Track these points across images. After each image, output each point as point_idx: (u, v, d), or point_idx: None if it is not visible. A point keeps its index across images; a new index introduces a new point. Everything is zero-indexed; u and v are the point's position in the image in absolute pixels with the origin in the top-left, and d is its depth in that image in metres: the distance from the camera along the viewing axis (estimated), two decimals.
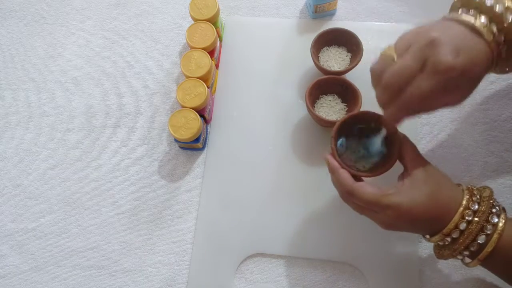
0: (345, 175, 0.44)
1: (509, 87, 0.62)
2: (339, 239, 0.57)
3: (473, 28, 0.39)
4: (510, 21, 0.39)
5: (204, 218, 0.59)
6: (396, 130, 0.46)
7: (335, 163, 0.46)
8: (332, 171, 0.46)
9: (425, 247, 0.55)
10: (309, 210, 0.58)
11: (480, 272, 0.54)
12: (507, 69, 0.44)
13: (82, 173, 0.64)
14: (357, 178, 0.45)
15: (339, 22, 0.69)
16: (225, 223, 0.59)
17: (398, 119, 0.42)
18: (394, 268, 0.55)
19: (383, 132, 0.47)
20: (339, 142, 0.49)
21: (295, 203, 0.59)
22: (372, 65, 0.43)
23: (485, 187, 0.44)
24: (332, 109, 0.60)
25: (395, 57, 0.40)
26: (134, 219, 0.61)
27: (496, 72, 0.45)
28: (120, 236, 0.60)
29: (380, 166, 0.47)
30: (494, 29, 0.39)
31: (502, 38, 0.40)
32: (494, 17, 0.40)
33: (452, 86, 0.39)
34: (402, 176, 0.44)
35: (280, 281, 0.56)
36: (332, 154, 0.47)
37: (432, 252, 0.55)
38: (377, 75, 0.41)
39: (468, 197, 0.42)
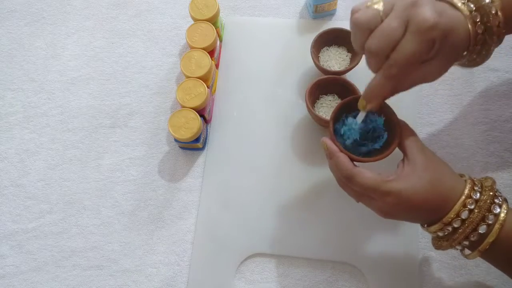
0: (344, 159, 0.43)
1: (509, 87, 0.62)
2: (339, 239, 0.57)
3: (451, 4, 0.40)
4: (486, 1, 0.40)
5: (204, 218, 0.59)
6: (384, 106, 0.44)
7: (333, 146, 0.44)
8: (330, 155, 0.44)
9: (425, 247, 0.55)
10: (309, 210, 0.58)
11: (480, 272, 0.54)
12: (475, 57, 0.43)
13: (82, 173, 0.64)
14: (354, 164, 0.44)
15: (339, 22, 0.69)
16: (225, 223, 0.59)
17: (384, 90, 0.41)
18: (394, 268, 0.55)
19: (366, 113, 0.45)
20: (351, 117, 0.48)
21: (295, 203, 0.59)
22: (355, 13, 0.40)
23: (486, 177, 0.43)
24: (332, 109, 0.60)
25: (381, 9, 0.39)
26: (134, 219, 0.61)
27: (465, 61, 0.45)
28: (120, 236, 0.60)
29: (379, 152, 0.46)
30: (471, 5, 0.40)
31: (478, 17, 0.40)
32: None
33: (434, 50, 0.38)
34: (402, 163, 0.43)
35: (280, 281, 0.56)
36: (330, 138, 0.46)
37: (433, 252, 0.55)
38: (360, 29, 0.39)
39: (470, 186, 0.41)
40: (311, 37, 0.62)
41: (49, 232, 0.61)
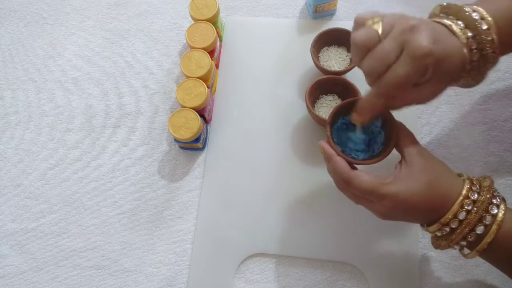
0: (341, 163, 0.43)
1: (509, 87, 0.62)
2: (339, 239, 0.57)
3: (449, 29, 0.41)
4: (483, 28, 0.40)
5: (204, 218, 0.59)
6: (374, 118, 0.46)
7: (330, 150, 0.45)
8: (328, 159, 0.45)
9: (425, 247, 0.55)
10: (309, 210, 0.58)
11: (480, 272, 0.54)
12: (470, 80, 0.44)
13: (82, 173, 0.64)
14: (352, 166, 0.44)
15: (339, 22, 0.69)
16: (225, 223, 0.59)
17: (374, 106, 0.42)
18: (394, 268, 0.55)
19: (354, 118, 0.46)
20: (343, 120, 0.49)
21: (295, 203, 0.59)
22: (354, 33, 0.41)
23: (485, 177, 0.43)
24: (332, 109, 0.60)
25: (380, 31, 0.39)
26: (134, 219, 0.61)
27: (461, 84, 0.46)
28: (120, 236, 0.60)
29: (376, 154, 0.46)
30: (469, 33, 0.41)
31: (474, 45, 0.41)
32: (469, 24, 0.41)
33: (427, 76, 0.39)
34: (399, 165, 0.43)
35: (280, 281, 0.56)
36: (328, 141, 0.46)
37: (432, 252, 0.55)
38: (358, 48, 0.40)
39: (468, 186, 0.41)
40: (311, 37, 0.62)
41: (49, 232, 0.61)
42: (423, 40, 0.37)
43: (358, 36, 0.40)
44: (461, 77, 0.43)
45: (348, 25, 0.63)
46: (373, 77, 0.40)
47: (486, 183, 0.42)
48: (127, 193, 0.62)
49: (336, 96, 0.61)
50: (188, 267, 0.58)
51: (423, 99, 0.42)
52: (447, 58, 0.39)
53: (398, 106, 0.42)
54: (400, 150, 0.44)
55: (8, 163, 0.65)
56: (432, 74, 0.39)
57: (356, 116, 0.44)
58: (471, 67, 0.42)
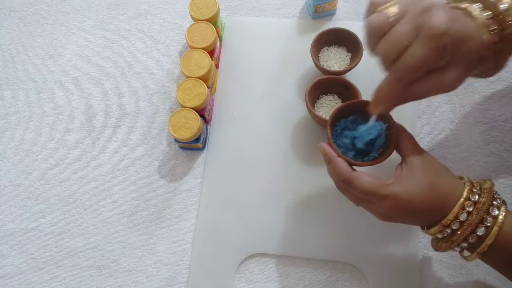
0: (342, 164, 0.43)
1: (509, 87, 0.62)
2: (339, 239, 0.57)
3: (466, 12, 0.39)
4: (503, 7, 0.39)
5: (204, 218, 0.59)
6: (387, 115, 0.44)
7: (331, 151, 0.44)
8: (328, 160, 0.44)
9: (425, 247, 0.55)
10: (309, 210, 0.58)
11: (480, 272, 0.54)
12: (491, 66, 0.43)
13: (82, 173, 0.64)
14: (352, 168, 0.44)
15: (339, 22, 0.69)
16: (225, 223, 0.59)
17: (391, 93, 0.40)
18: (394, 268, 0.55)
19: (373, 118, 0.45)
20: (344, 122, 0.48)
21: (295, 203, 0.59)
22: (368, 16, 0.39)
23: (485, 180, 0.43)
24: (332, 109, 0.60)
25: (394, 14, 0.38)
26: (134, 219, 0.61)
27: (481, 71, 0.44)
28: (120, 236, 0.60)
29: (376, 156, 0.46)
30: (488, 13, 0.39)
31: (494, 26, 0.39)
32: (488, 5, 0.39)
33: (445, 59, 0.38)
34: (400, 167, 0.43)
35: (280, 281, 0.56)
36: (328, 143, 0.46)
37: (433, 252, 0.55)
38: (372, 32, 0.39)
39: (469, 188, 0.41)
40: (311, 37, 0.62)
41: (49, 232, 0.61)
42: (439, 19, 0.35)
43: (372, 20, 0.39)
44: (481, 61, 0.41)
45: (348, 25, 0.63)
46: (388, 61, 0.38)
47: (486, 186, 0.42)
48: (127, 193, 0.62)
49: (336, 96, 0.61)
50: (188, 267, 0.58)
51: (447, 86, 0.39)
52: (466, 39, 0.37)
53: (420, 95, 0.40)
54: (400, 152, 0.44)
55: (8, 163, 0.65)
56: (452, 57, 0.38)
57: (373, 106, 0.42)
58: (491, 50, 0.40)
